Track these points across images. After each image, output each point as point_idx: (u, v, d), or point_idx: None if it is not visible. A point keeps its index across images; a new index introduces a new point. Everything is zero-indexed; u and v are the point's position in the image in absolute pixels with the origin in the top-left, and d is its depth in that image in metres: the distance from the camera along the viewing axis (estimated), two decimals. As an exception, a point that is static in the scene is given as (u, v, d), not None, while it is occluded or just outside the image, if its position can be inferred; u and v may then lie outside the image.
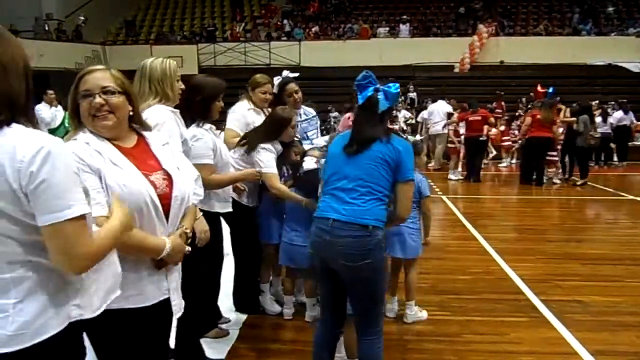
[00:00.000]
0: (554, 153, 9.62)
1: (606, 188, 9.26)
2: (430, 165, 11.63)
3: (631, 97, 14.19)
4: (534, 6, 20.36)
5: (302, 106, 3.92)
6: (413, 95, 15.59)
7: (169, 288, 1.71)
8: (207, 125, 2.81)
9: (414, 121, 13.55)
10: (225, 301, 3.48)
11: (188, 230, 1.77)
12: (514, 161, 12.44)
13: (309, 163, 3.26)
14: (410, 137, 3.65)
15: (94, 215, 1.33)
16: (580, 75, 16.60)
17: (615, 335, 3.24)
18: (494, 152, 12.90)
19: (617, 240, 5.58)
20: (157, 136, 1.84)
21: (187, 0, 22.44)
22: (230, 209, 3.00)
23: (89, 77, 1.62)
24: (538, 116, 9.16)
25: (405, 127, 12.32)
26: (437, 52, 17.43)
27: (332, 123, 13.26)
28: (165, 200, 1.66)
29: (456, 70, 17.86)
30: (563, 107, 10.09)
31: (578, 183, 9.48)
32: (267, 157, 3.16)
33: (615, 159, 12.71)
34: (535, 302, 3.75)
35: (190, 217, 1.81)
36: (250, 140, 3.21)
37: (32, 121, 1.22)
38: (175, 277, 1.75)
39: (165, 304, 1.71)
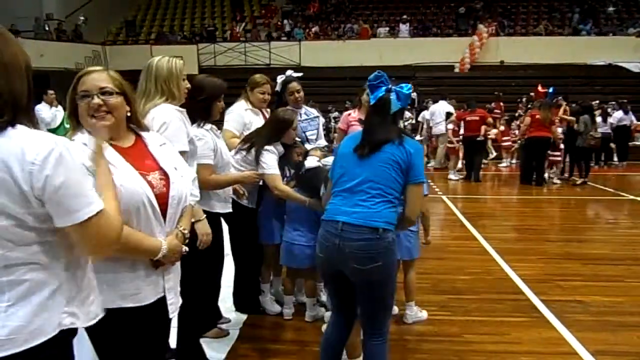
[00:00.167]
0: (557, 153, 9.63)
1: (606, 188, 9.26)
2: (429, 165, 11.66)
3: (631, 97, 14.21)
4: (534, 6, 20.36)
5: (305, 106, 3.93)
6: (413, 95, 15.59)
7: (165, 287, 1.71)
8: (208, 126, 2.81)
9: (414, 121, 13.57)
10: (225, 301, 3.48)
11: (185, 231, 1.77)
12: (514, 161, 12.44)
13: (310, 161, 3.28)
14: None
15: None
16: (580, 75, 16.61)
17: (615, 335, 3.23)
18: (495, 153, 12.92)
19: (617, 240, 5.58)
20: (155, 136, 1.85)
21: (187, 0, 22.43)
22: (230, 210, 3.00)
23: (87, 78, 1.63)
24: (537, 116, 9.17)
25: (405, 127, 12.32)
26: (437, 52, 17.44)
27: (332, 123, 13.26)
28: (163, 200, 1.66)
29: (456, 70, 17.86)
30: (564, 103, 10.12)
31: (577, 182, 9.50)
32: (269, 159, 3.17)
33: (615, 159, 12.71)
34: (535, 302, 3.75)
35: (187, 217, 1.81)
36: (254, 142, 3.21)
37: (33, 121, 1.22)
38: (172, 276, 1.75)
39: (162, 303, 1.71)
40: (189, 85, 2.54)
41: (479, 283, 4.19)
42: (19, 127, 1.17)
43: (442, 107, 11.17)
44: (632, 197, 8.30)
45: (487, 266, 4.63)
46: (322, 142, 3.74)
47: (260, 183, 3.36)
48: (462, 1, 19.85)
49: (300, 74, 3.86)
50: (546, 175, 9.67)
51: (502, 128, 12.39)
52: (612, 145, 12.54)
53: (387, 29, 19.03)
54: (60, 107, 8.69)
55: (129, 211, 1.54)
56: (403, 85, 2.29)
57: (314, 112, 4.04)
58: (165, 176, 1.70)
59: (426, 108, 12.69)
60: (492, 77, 16.89)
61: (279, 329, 3.37)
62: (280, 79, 3.81)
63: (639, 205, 7.80)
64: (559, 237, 5.95)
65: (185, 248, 1.76)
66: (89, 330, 1.45)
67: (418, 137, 12.11)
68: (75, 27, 18.25)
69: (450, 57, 17.52)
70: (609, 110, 12.54)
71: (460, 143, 10.42)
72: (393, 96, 2.25)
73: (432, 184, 9.21)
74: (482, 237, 5.61)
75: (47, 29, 17.61)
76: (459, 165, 10.81)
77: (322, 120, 4.15)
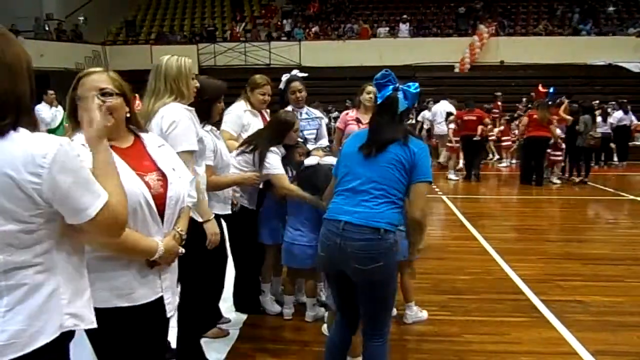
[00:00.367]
0: (558, 153, 9.65)
1: (606, 188, 9.26)
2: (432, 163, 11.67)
3: (631, 97, 14.19)
4: (534, 6, 20.35)
5: (307, 107, 3.94)
6: (413, 95, 15.56)
7: (162, 287, 1.72)
8: (208, 127, 2.81)
9: (414, 121, 13.56)
10: (226, 301, 3.47)
11: (182, 232, 1.78)
12: (514, 161, 12.45)
13: (310, 160, 3.30)
14: None
15: None
16: (580, 75, 16.59)
17: (615, 335, 3.24)
18: (497, 156, 12.93)
19: (617, 240, 5.58)
20: (154, 137, 1.86)
21: (187, 0, 22.42)
22: (229, 211, 3.00)
23: (87, 79, 1.64)
24: (535, 116, 9.21)
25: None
26: (437, 52, 17.42)
27: (332, 123, 13.26)
28: (160, 200, 1.67)
29: (456, 70, 17.85)
30: (566, 101, 10.14)
31: (576, 181, 9.52)
32: (274, 160, 3.19)
33: (615, 159, 12.71)
34: (535, 302, 3.75)
35: (185, 219, 1.82)
36: (257, 144, 3.21)
37: (34, 123, 1.22)
38: (168, 276, 1.75)
39: (160, 302, 1.71)
40: (197, 85, 2.55)
41: (479, 283, 4.19)
42: (22, 130, 1.17)
43: (443, 107, 11.19)
44: (632, 197, 8.30)
45: (487, 266, 4.63)
46: (325, 142, 3.75)
47: (261, 186, 3.37)
48: (462, 1, 19.84)
49: (305, 74, 3.90)
50: (546, 175, 9.70)
51: (501, 128, 12.39)
52: (612, 145, 12.53)
53: (387, 29, 19.02)
54: (60, 107, 8.70)
55: None
56: (410, 84, 2.27)
57: (316, 112, 4.04)
58: (163, 177, 1.71)
59: (426, 108, 12.70)
60: (492, 77, 16.88)
61: (279, 329, 3.37)
62: (285, 77, 3.85)
63: (639, 205, 7.80)
64: (559, 237, 5.96)
65: (181, 249, 1.76)
66: (87, 330, 1.45)
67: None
68: (75, 27, 18.25)
69: (450, 57, 17.51)
70: (609, 110, 12.53)
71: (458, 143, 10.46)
72: (400, 95, 2.23)
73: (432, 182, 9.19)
74: (482, 237, 5.61)
75: (47, 29, 17.61)
76: (460, 165, 10.82)
77: (325, 121, 4.16)
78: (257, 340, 3.22)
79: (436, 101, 11.90)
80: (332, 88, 15.45)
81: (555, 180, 9.68)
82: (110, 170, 1.38)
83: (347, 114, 4.29)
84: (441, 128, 11.15)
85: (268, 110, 3.77)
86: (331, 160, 3.18)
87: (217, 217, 2.89)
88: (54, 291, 1.23)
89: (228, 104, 3.36)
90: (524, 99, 13.75)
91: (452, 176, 10.29)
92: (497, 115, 12.91)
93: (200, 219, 2.50)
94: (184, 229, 1.79)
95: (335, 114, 13.54)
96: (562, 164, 10.04)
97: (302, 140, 3.57)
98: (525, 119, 9.59)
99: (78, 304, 1.29)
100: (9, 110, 1.15)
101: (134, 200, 1.57)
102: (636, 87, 15.81)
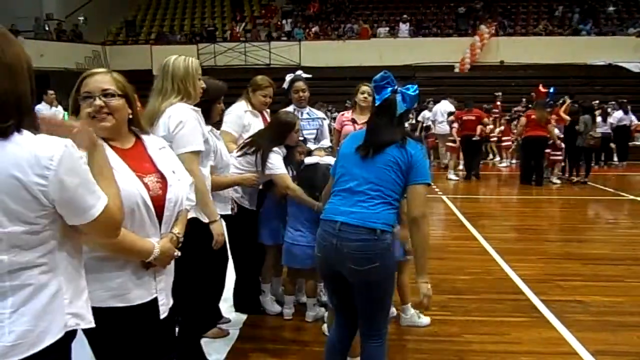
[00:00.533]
0: (558, 153, 9.67)
1: (606, 188, 9.26)
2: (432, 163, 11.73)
3: (631, 97, 14.19)
4: (534, 6, 20.35)
5: (309, 107, 3.94)
6: (413, 95, 15.57)
7: (156, 288, 1.72)
8: (208, 127, 2.81)
9: (414, 121, 13.56)
10: (226, 301, 3.48)
11: (180, 235, 1.78)
12: (514, 161, 12.46)
13: (309, 159, 3.30)
14: None
15: None
16: (580, 75, 16.59)
17: (615, 335, 3.24)
18: (497, 157, 12.94)
19: (617, 240, 5.58)
20: (155, 140, 1.86)
21: (187, 0, 22.42)
22: (229, 212, 3.00)
23: (90, 80, 1.65)
24: (533, 116, 9.25)
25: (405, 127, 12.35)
26: (437, 52, 17.42)
27: (332, 123, 13.27)
28: (158, 202, 1.67)
29: (456, 70, 17.85)
30: (569, 101, 10.16)
31: (574, 180, 9.55)
32: (276, 160, 3.20)
33: (615, 159, 12.72)
34: (535, 302, 3.75)
35: (182, 222, 1.82)
36: (259, 145, 3.22)
37: (35, 124, 1.22)
38: (163, 277, 1.75)
39: (154, 303, 1.71)
40: (204, 85, 2.56)
41: (479, 283, 4.19)
42: (25, 132, 1.17)
43: (444, 107, 11.21)
44: (632, 197, 8.30)
45: (487, 266, 4.63)
46: (327, 142, 3.75)
47: (261, 187, 3.37)
48: (462, 1, 19.84)
49: (309, 75, 3.91)
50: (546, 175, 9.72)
51: (502, 128, 12.40)
52: (612, 145, 12.54)
53: (387, 29, 19.02)
54: (60, 107, 8.71)
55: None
56: (410, 86, 2.25)
57: (317, 113, 4.04)
58: (163, 179, 1.71)
59: (426, 108, 12.71)
60: (492, 77, 16.88)
61: (279, 329, 3.37)
62: (289, 77, 3.88)
63: (639, 205, 7.81)
64: (559, 237, 5.96)
65: (177, 252, 1.76)
66: (85, 330, 1.46)
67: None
68: (75, 27, 18.25)
69: (450, 57, 17.51)
70: (609, 110, 12.54)
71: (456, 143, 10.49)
72: (399, 97, 2.21)
73: (432, 184, 9.20)
74: (482, 237, 5.61)
75: (47, 29, 17.62)
76: (460, 165, 10.85)
77: (326, 121, 4.16)
78: (257, 340, 3.22)
79: (437, 101, 11.91)
80: (332, 88, 15.44)
81: (555, 180, 9.68)
82: (106, 172, 1.39)
83: (342, 114, 4.29)
84: (442, 128, 11.16)
85: (268, 111, 3.77)
86: (330, 160, 3.18)
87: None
88: (57, 291, 1.24)
89: (228, 104, 3.36)
90: (524, 100, 13.75)
91: (452, 176, 10.29)
92: (497, 115, 12.91)
93: (206, 220, 2.50)
94: (181, 232, 1.79)
95: (336, 114, 13.55)
96: (562, 164, 10.05)
97: (301, 139, 3.57)
98: (523, 119, 9.63)
99: (78, 304, 1.30)
100: (11, 111, 1.15)
101: (132, 201, 1.58)
102: (636, 87, 15.81)
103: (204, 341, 2.87)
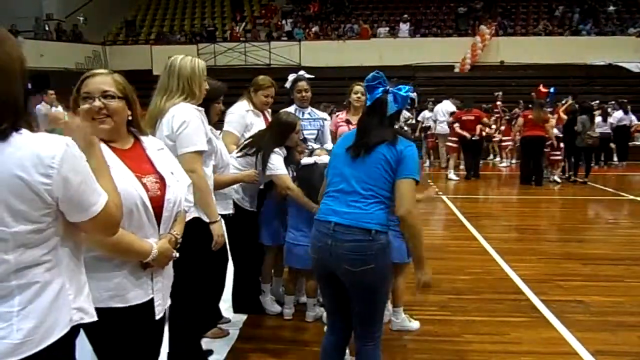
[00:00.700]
0: (558, 152, 9.69)
1: (606, 188, 9.27)
2: (426, 165, 11.76)
3: (631, 97, 14.20)
4: (534, 6, 20.35)
5: (311, 107, 3.93)
6: (413, 95, 15.57)
7: (153, 289, 1.72)
8: (208, 127, 2.81)
9: (414, 121, 13.58)
10: (226, 301, 3.47)
11: (178, 236, 1.78)
12: (514, 161, 12.46)
13: (306, 159, 3.30)
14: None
15: None
16: (580, 75, 16.60)
17: (615, 335, 3.24)
18: (498, 158, 12.95)
19: (617, 240, 5.58)
20: (154, 141, 1.86)
21: (187, 0, 22.43)
22: (231, 211, 3.00)
23: (91, 80, 1.65)
24: (530, 116, 9.28)
25: (405, 127, 12.36)
26: (437, 52, 17.41)
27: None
28: (157, 203, 1.68)
29: (456, 70, 17.86)
30: (571, 102, 10.19)
31: (572, 179, 9.62)
32: (277, 160, 3.21)
33: (615, 159, 12.72)
34: (535, 302, 3.75)
35: (181, 223, 1.82)
36: (260, 147, 3.22)
37: (32, 123, 1.22)
38: (160, 278, 1.75)
39: (150, 304, 1.71)
40: (208, 87, 2.56)
41: (479, 283, 4.19)
42: (24, 132, 1.17)
43: (445, 107, 11.22)
44: (632, 197, 8.30)
45: (487, 266, 4.63)
46: (330, 145, 3.75)
47: (261, 186, 3.37)
48: (462, 1, 19.84)
49: (311, 76, 3.91)
50: (548, 173, 9.75)
51: (502, 128, 12.41)
52: (612, 145, 12.55)
53: (387, 29, 19.02)
54: (60, 107, 8.71)
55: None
56: (401, 86, 2.22)
57: (319, 113, 4.03)
58: (161, 180, 1.72)
59: (426, 108, 12.73)
60: (492, 77, 16.88)
61: (279, 329, 3.37)
62: (291, 76, 3.89)
63: (639, 205, 7.81)
64: (559, 237, 5.96)
65: (176, 253, 1.76)
66: (86, 330, 1.46)
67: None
68: (75, 27, 18.25)
69: (450, 57, 17.51)
70: (609, 110, 12.55)
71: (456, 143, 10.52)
72: (390, 98, 2.19)
73: (432, 183, 9.21)
74: (482, 237, 5.61)
75: (47, 29, 17.63)
76: (461, 165, 10.86)
77: (328, 122, 4.15)
78: (257, 340, 3.22)
79: (438, 101, 11.94)
80: (332, 88, 15.44)
81: (557, 179, 9.72)
82: (105, 169, 1.39)
83: (337, 115, 4.28)
84: (444, 127, 11.19)
85: (270, 110, 3.77)
86: (328, 159, 3.18)
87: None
88: (61, 287, 1.25)
89: (228, 104, 3.36)
90: (521, 102, 13.69)
91: (452, 176, 10.31)
92: (499, 115, 12.92)
93: (207, 220, 2.50)
94: (180, 233, 1.79)
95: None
96: (562, 164, 10.07)
97: (301, 139, 3.57)
98: (520, 120, 9.71)
99: (81, 299, 1.32)
100: (7, 113, 1.15)
101: (130, 201, 1.58)
102: (636, 87, 15.81)
103: (204, 341, 2.87)
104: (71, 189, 1.18)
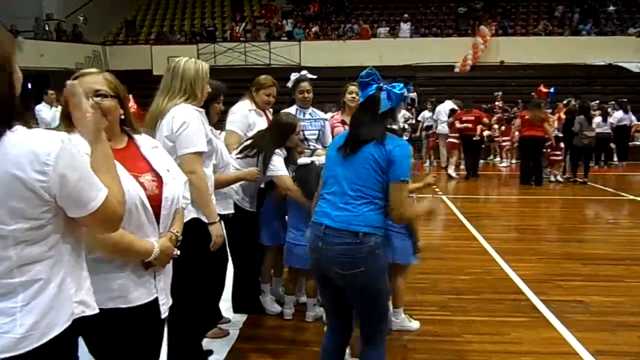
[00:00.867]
0: (558, 152, 9.70)
1: (606, 188, 9.27)
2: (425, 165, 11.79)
3: (631, 97, 14.20)
4: (534, 6, 20.35)
5: (312, 108, 3.93)
6: (413, 95, 15.59)
7: (157, 288, 1.71)
8: (208, 127, 2.81)
9: (414, 121, 13.57)
10: (225, 301, 3.47)
11: (178, 234, 1.78)
12: (514, 161, 12.47)
13: (303, 159, 3.30)
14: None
15: None
16: (580, 75, 16.60)
17: (615, 335, 3.24)
18: (498, 157, 12.95)
19: (617, 240, 5.58)
20: (147, 139, 1.84)
21: (187, 0, 22.42)
22: (232, 211, 3.00)
23: (82, 80, 1.62)
24: (526, 117, 9.31)
25: (405, 127, 12.37)
26: (438, 52, 17.42)
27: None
28: (155, 201, 1.67)
29: (456, 70, 17.86)
30: (573, 102, 10.22)
31: (571, 179, 9.64)
32: (277, 161, 3.22)
33: (615, 159, 12.72)
34: (535, 302, 3.75)
35: (180, 220, 1.81)
36: (262, 148, 3.22)
37: (26, 118, 1.21)
38: (162, 277, 1.75)
39: (154, 304, 1.71)
40: (209, 89, 2.57)
41: (479, 283, 4.19)
42: (19, 128, 1.16)
43: (446, 107, 11.23)
44: (632, 197, 8.30)
45: (487, 266, 4.63)
46: None
47: (262, 185, 3.37)
48: (462, 1, 19.84)
49: (314, 76, 3.90)
50: (547, 173, 9.76)
51: (503, 128, 12.41)
52: (612, 145, 12.55)
53: (387, 29, 19.02)
54: (60, 107, 8.70)
55: None
56: (395, 84, 2.19)
57: (320, 114, 4.02)
58: (158, 178, 1.71)
59: (426, 108, 12.74)
60: (492, 77, 16.89)
61: (279, 329, 3.37)
62: (294, 76, 3.87)
63: (639, 205, 7.81)
64: (558, 237, 5.96)
65: (176, 251, 1.75)
66: (88, 331, 1.46)
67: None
68: (75, 27, 18.25)
69: (450, 57, 17.51)
70: (609, 110, 12.55)
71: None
72: (383, 95, 2.16)
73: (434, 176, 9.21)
74: (482, 237, 5.61)
75: (47, 29, 17.63)
76: (461, 165, 10.88)
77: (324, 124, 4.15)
78: (257, 340, 3.22)
79: (440, 101, 11.95)
80: (332, 88, 15.45)
81: (559, 178, 9.76)
82: (108, 164, 1.38)
83: (332, 117, 4.27)
84: (445, 128, 11.20)
85: (271, 110, 3.77)
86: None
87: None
88: (63, 282, 1.25)
89: (228, 104, 3.36)
90: (520, 102, 13.70)
91: (452, 173, 10.34)
92: (499, 115, 12.93)
93: (206, 220, 2.50)
94: (179, 230, 1.79)
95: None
96: (563, 164, 10.08)
97: (302, 139, 3.57)
98: (517, 121, 9.75)
99: (82, 292, 1.32)
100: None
101: (129, 202, 1.56)
102: (636, 87, 15.82)
103: (204, 341, 2.86)
104: (68, 185, 1.18)
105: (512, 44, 17.69)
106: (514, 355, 3.01)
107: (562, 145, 9.75)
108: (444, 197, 8.14)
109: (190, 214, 2.41)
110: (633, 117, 12.67)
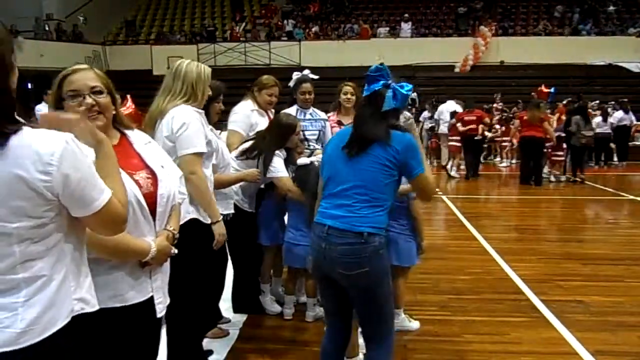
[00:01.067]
0: (560, 152, 9.70)
1: (606, 188, 9.26)
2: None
3: (631, 97, 14.19)
4: (534, 6, 20.35)
5: (313, 108, 3.93)
6: (413, 95, 15.56)
7: (152, 287, 1.70)
8: (208, 127, 2.81)
9: (428, 126, 13.56)
10: (225, 301, 3.47)
11: (175, 232, 1.76)
12: (514, 161, 12.48)
13: (302, 159, 3.30)
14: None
15: None
16: (580, 75, 16.60)
17: (615, 335, 3.24)
18: (498, 157, 12.96)
19: (617, 240, 5.58)
20: (140, 135, 1.82)
21: (187, 0, 22.43)
22: (232, 211, 3.00)
23: (74, 77, 1.60)
24: (525, 117, 9.32)
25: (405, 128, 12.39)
26: (438, 52, 17.42)
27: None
28: (151, 199, 1.65)
29: (456, 70, 17.86)
30: (575, 104, 10.27)
31: (571, 179, 9.65)
32: (277, 162, 3.22)
33: (615, 159, 12.72)
34: (535, 302, 3.75)
35: (176, 217, 1.80)
36: (262, 149, 3.22)
37: (27, 117, 1.21)
38: (159, 276, 1.73)
39: (150, 303, 1.70)
40: (210, 92, 2.58)
41: (479, 283, 4.19)
42: (24, 128, 1.15)
43: (449, 107, 11.24)
44: (632, 197, 8.30)
45: (487, 266, 4.63)
46: None
47: (262, 186, 3.37)
48: (462, 1, 19.84)
49: (316, 77, 3.89)
50: (547, 172, 9.77)
51: (503, 128, 12.42)
52: (612, 145, 12.56)
53: (387, 29, 19.02)
54: (60, 107, 8.71)
55: None
56: (404, 84, 2.15)
57: (321, 114, 4.01)
58: (153, 175, 1.69)
59: (426, 109, 12.74)
60: (492, 77, 16.89)
61: (279, 329, 3.37)
62: (295, 75, 3.86)
63: (639, 205, 7.80)
64: (558, 237, 5.96)
65: (174, 250, 1.74)
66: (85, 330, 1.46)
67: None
68: (75, 27, 18.25)
69: (450, 57, 17.51)
70: (609, 110, 12.55)
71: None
72: (389, 93, 2.11)
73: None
74: (482, 237, 5.61)
75: (47, 29, 17.63)
76: (462, 165, 10.89)
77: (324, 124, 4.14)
78: (257, 340, 3.22)
79: (441, 101, 11.96)
80: (332, 88, 15.45)
81: (561, 177, 9.79)
82: (115, 167, 1.39)
83: (329, 117, 4.26)
84: (445, 127, 11.20)
85: (273, 110, 3.77)
86: None
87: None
88: (64, 279, 1.26)
89: (228, 104, 3.36)
90: (520, 101, 13.70)
91: (454, 173, 10.35)
92: (500, 116, 12.94)
93: (206, 221, 2.50)
94: (176, 228, 1.78)
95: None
96: (563, 164, 10.09)
97: (302, 139, 3.57)
98: (516, 121, 9.78)
99: (83, 290, 1.33)
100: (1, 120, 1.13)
101: None
102: (636, 87, 15.82)
103: (204, 341, 2.86)
104: (71, 185, 1.18)
105: (512, 44, 17.69)
106: (514, 355, 3.01)
107: (564, 145, 9.75)
108: (444, 197, 8.14)
109: (190, 214, 2.41)
110: (633, 117, 12.68)
